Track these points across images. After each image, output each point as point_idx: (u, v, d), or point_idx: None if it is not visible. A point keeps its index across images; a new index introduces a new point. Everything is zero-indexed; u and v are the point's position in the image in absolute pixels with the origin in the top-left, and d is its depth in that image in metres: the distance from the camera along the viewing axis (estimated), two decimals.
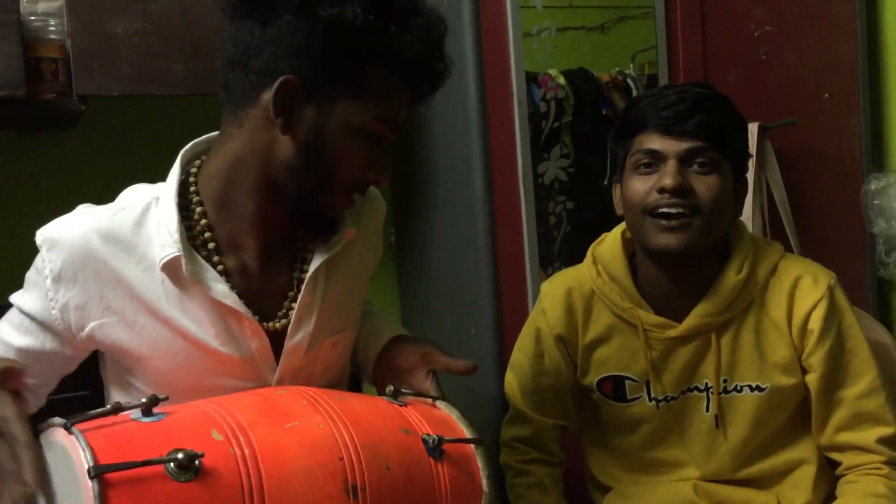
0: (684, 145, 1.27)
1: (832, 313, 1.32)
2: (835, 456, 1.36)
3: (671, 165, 1.27)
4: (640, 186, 1.30)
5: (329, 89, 1.04)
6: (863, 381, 1.32)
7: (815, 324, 1.31)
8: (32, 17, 1.62)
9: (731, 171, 1.31)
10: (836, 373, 1.32)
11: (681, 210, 1.26)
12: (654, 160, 1.29)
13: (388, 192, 2.22)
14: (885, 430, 1.31)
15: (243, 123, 1.07)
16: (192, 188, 1.12)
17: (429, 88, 1.12)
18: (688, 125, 1.26)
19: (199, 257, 1.09)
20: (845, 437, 1.33)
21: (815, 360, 1.32)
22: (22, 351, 1.11)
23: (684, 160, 1.27)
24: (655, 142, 1.28)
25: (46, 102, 1.64)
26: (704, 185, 1.27)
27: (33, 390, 1.14)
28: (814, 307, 1.31)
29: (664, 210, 1.27)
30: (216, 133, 1.14)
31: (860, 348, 1.33)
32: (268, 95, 1.04)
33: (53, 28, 1.64)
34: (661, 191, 1.27)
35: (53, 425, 0.91)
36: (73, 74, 1.63)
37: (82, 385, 1.26)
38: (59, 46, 1.64)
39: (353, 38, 1.02)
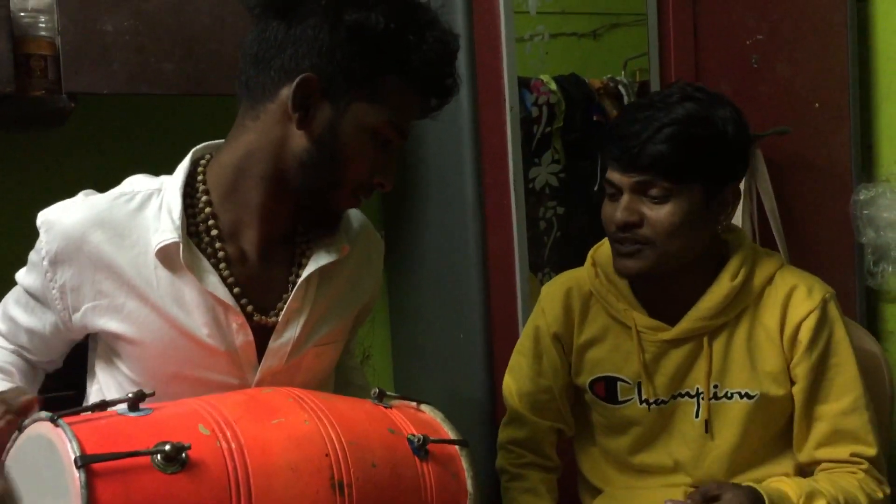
0: (635, 179, 1.28)
1: (822, 326, 1.32)
2: (813, 469, 1.36)
3: (624, 199, 1.29)
4: (606, 212, 1.34)
5: (346, 90, 1.08)
6: (846, 398, 1.32)
7: (805, 335, 1.32)
8: (22, 14, 1.61)
9: (702, 190, 1.28)
10: (819, 386, 1.32)
11: (631, 242, 1.30)
12: (615, 189, 1.32)
13: (379, 196, 2.22)
14: (862, 449, 1.31)
15: (259, 117, 1.11)
16: (199, 178, 1.15)
17: (436, 103, 1.17)
18: (638, 160, 1.27)
19: (196, 248, 1.12)
20: (823, 453, 1.33)
21: (801, 371, 1.32)
22: (29, 331, 1.18)
23: (637, 191, 1.29)
24: (614, 174, 1.31)
25: (35, 100, 1.63)
26: (656, 215, 1.28)
27: (40, 367, 1.23)
28: (805, 318, 1.32)
29: (619, 239, 1.31)
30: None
31: (847, 364, 1.33)
32: (287, 91, 1.08)
33: (43, 25, 1.62)
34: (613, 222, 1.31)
35: (39, 419, 0.91)
36: (62, 72, 1.62)
37: (66, 385, 1.27)
38: (49, 43, 1.62)
39: (374, 43, 1.07)
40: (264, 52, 1.09)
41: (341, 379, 1.35)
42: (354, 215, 1.30)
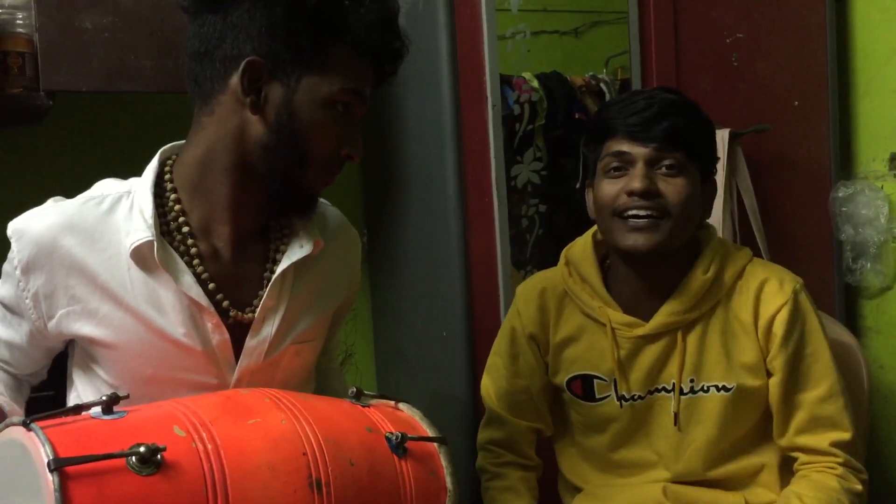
0: (652, 147, 1.30)
1: (795, 318, 1.34)
2: (794, 454, 1.38)
3: (639, 168, 1.30)
4: (610, 189, 1.33)
5: (293, 66, 1.08)
6: (822, 385, 1.33)
7: (779, 328, 1.33)
8: None
9: (699, 174, 1.34)
10: (795, 376, 1.34)
11: (650, 213, 1.30)
12: (623, 163, 1.32)
13: (360, 194, 2.21)
14: (840, 435, 1.33)
15: (214, 111, 1.11)
16: (166, 177, 1.15)
17: (390, 68, 1.16)
18: (654, 131, 1.30)
19: (170, 247, 1.11)
20: (803, 440, 1.35)
21: (778, 364, 1.34)
22: (8, 344, 1.18)
23: (651, 163, 1.31)
24: (624, 145, 1.32)
25: (13, 97, 1.62)
26: (672, 188, 1.30)
27: (25, 380, 1.22)
28: (778, 311, 1.34)
29: (633, 212, 1.30)
30: None
31: (821, 352, 1.34)
32: (235, 79, 1.08)
33: (21, 21, 1.61)
34: (630, 193, 1.30)
35: (12, 424, 0.90)
36: (40, 69, 1.61)
37: (46, 386, 1.26)
38: (26, 40, 1.61)
39: (310, 15, 1.07)
40: (206, 47, 1.10)
41: (320, 382, 1.35)
42: (331, 213, 1.29)
